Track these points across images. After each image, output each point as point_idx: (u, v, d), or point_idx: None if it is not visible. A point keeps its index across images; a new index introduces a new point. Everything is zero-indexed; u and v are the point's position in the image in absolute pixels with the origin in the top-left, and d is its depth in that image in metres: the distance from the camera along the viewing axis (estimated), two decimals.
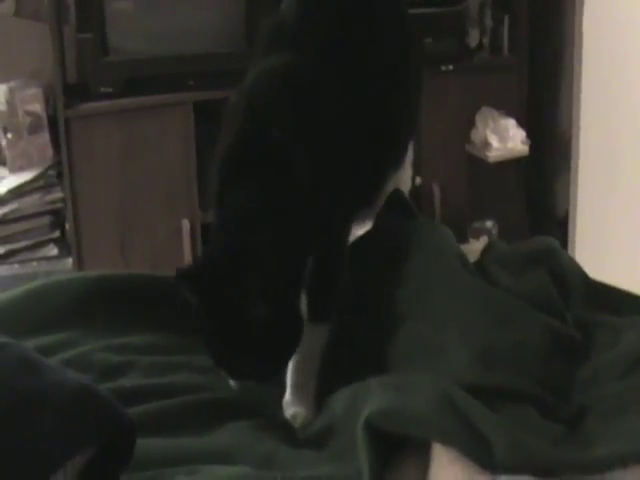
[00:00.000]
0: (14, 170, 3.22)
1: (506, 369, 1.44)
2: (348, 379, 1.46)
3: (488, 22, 3.74)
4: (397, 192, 1.84)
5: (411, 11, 1.88)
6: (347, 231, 1.62)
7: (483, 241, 3.30)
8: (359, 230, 1.74)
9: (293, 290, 1.45)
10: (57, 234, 3.23)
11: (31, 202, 3.19)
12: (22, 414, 1.08)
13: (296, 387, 1.51)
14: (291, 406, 1.50)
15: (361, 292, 1.61)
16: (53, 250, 3.21)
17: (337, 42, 1.62)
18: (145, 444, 1.27)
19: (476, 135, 3.61)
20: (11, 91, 3.27)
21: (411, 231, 1.72)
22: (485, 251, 1.81)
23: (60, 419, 1.10)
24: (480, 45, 3.77)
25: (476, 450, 1.20)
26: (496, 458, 1.19)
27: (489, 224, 3.56)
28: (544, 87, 3.78)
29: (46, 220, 3.21)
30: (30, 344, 1.41)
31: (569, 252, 3.06)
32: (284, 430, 1.46)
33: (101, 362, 1.54)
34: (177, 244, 3.27)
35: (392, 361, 1.50)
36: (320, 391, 1.51)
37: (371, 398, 1.30)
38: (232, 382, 1.46)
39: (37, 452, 1.07)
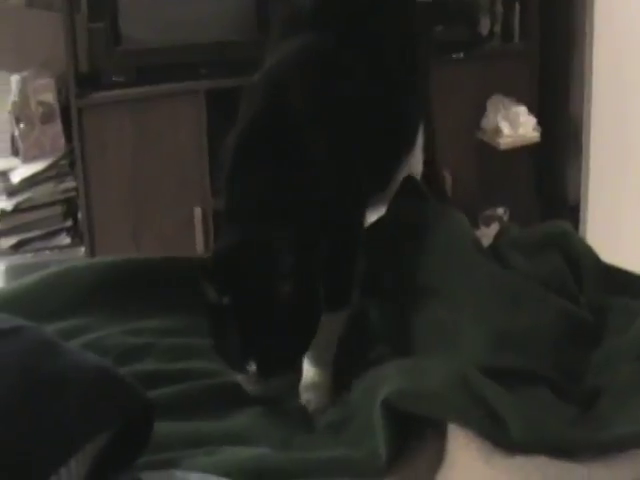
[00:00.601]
0: (27, 160, 3.23)
1: (521, 351, 1.45)
2: (364, 363, 1.47)
3: (499, 9, 3.73)
4: (410, 177, 1.85)
5: None
6: (362, 216, 1.62)
7: (494, 228, 3.29)
8: (373, 215, 1.75)
9: (313, 274, 1.44)
10: (70, 223, 3.23)
11: (44, 191, 3.19)
12: (42, 396, 1.09)
13: (313, 373, 1.51)
14: (307, 392, 1.51)
15: (376, 275, 1.62)
16: (66, 239, 3.22)
17: (355, 26, 1.62)
18: (163, 427, 1.28)
19: (487, 122, 3.60)
20: (24, 81, 3.28)
21: (425, 215, 1.73)
22: (499, 235, 1.82)
23: (80, 401, 1.11)
24: (491, 32, 3.76)
25: (492, 430, 1.21)
26: (512, 437, 1.20)
27: (500, 211, 3.55)
28: (555, 74, 3.77)
29: (59, 209, 3.22)
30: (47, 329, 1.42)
31: None
32: (301, 415, 1.47)
33: (117, 347, 1.55)
34: (189, 232, 3.27)
35: (408, 343, 1.51)
36: (336, 376, 1.52)
37: (388, 381, 1.31)
38: (250, 388, 1.45)
39: (57, 434, 1.08)
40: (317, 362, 1.51)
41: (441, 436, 1.23)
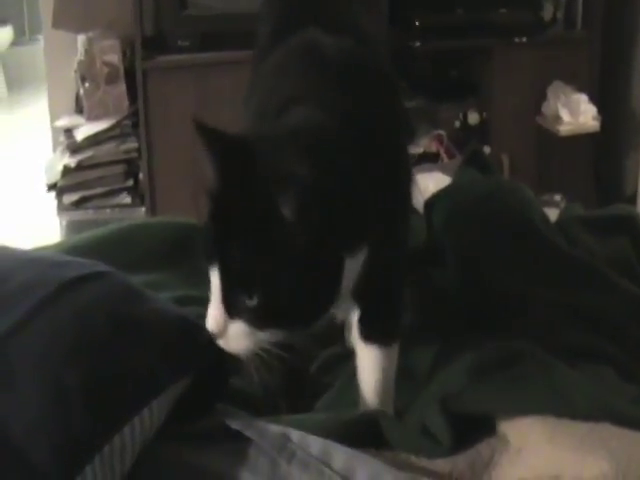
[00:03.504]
0: (91, 118, 3.26)
1: (585, 328, 1.46)
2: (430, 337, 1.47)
3: None
4: (476, 149, 1.86)
5: None
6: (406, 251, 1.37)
7: (551, 213, 3.29)
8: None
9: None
10: (130, 183, 3.27)
11: (106, 150, 3.23)
12: (127, 338, 1.12)
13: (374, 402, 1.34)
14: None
15: (441, 245, 1.63)
16: (126, 198, 3.25)
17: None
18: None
19: (547, 108, 3.59)
20: (89, 41, 3.31)
21: (493, 187, 1.73)
22: (565, 212, 1.82)
23: (162, 345, 1.14)
24: (554, 18, 3.74)
25: (556, 404, 1.21)
26: (576, 409, 1.21)
27: (557, 198, 3.54)
28: (617, 64, 3.74)
29: (120, 169, 3.25)
30: None
31: None
32: None
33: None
34: None
35: (474, 312, 1.52)
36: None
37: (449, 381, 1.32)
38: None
39: (141, 376, 1.10)
40: (379, 404, 1.32)
41: (501, 421, 1.24)
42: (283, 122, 1.17)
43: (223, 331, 1.09)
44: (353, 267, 1.14)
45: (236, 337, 1.09)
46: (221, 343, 1.10)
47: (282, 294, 1.06)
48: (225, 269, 1.07)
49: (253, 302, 1.05)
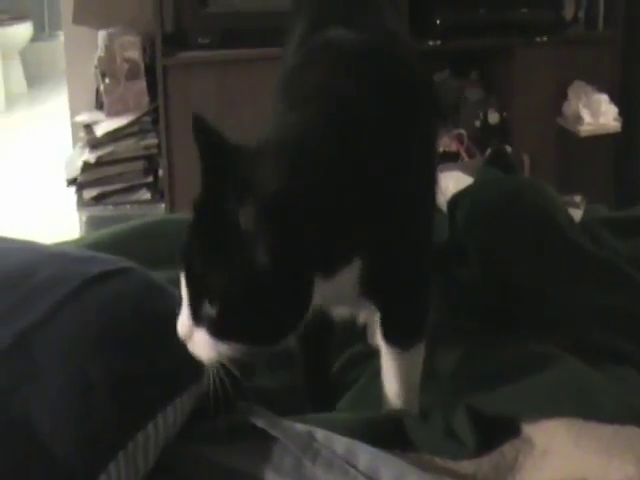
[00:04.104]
0: (111, 114, 3.27)
1: (611, 329, 1.45)
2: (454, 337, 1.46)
3: None
4: (500, 148, 1.85)
5: None
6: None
7: (572, 214, 3.27)
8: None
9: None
10: (150, 179, 3.28)
11: (126, 146, 3.23)
12: (150, 336, 1.12)
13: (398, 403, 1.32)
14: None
15: (465, 244, 1.62)
16: (146, 194, 3.26)
17: None
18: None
19: (568, 108, 3.57)
20: (110, 37, 3.32)
21: (517, 186, 1.73)
22: (589, 213, 1.81)
23: None
24: (575, 18, 3.73)
25: (583, 407, 1.21)
26: (602, 412, 1.20)
27: (577, 199, 3.52)
28: (639, 64, 3.73)
29: (140, 165, 3.26)
30: None
31: None
32: None
33: None
34: None
35: (499, 312, 1.51)
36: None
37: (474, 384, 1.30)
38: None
39: (165, 372, 1.10)
40: (403, 404, 1.30)
41: (526, 424, 1.23)
42: (277, 132, 1.16)
43: (189, 336, 1.07)
44: (346, 278, 1.11)
45: (200, 344, 1.07)
46: (189, 347, 1.08)
47: (240, 308, 1.03)
48: (189, 275, 1.05)
49: (213, 311, 1.03)
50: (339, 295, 1.15)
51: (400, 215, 1.16)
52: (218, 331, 1.04)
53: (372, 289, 1.17)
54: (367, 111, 1.14)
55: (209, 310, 1.03)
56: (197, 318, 1.05)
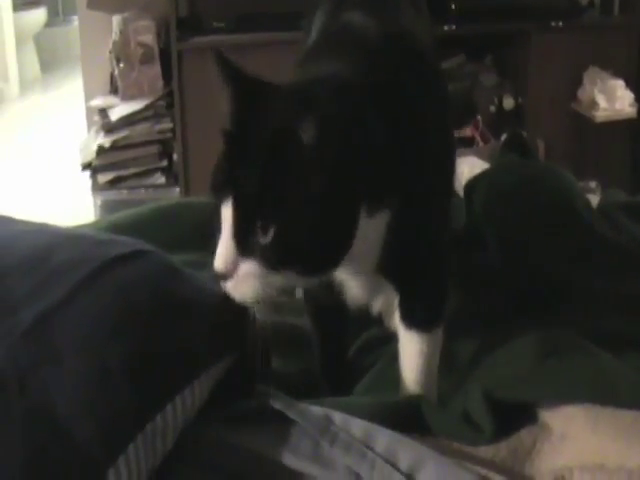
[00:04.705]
0: (125, 99, 3.28)
1: (630, 315, 1.44)
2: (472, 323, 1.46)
3: None
4: (516, 133, 1.85)
5: None
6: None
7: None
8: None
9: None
10: (165, 163, 3.29)
11: (140, 131, 3.24)
12: (171, 317, 1.11)
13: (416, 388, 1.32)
14: None
15: (482, 228, 1.62)
16: (160, 179, 3.27)
17: None
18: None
19: (583, 94, 3.56)
20: (125, 22, 3.32)
21: (534, 171, 1.72)
22: (606, 198, 1.81)
23: (205, 324, 1.13)
24: (591, 3, 3.71)
25: (600, 393, 1.20)
26: (620, 398, 1.20)
27: (592, 184, 3.51)
28: None
29: (154, 149, 3.27)
30: None
31: None
32: None
33: None
34: None
35: (517, 297, 1.50)
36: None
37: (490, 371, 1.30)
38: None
39: (184, 354, 1.10)
40: (421, 389, 1.29)
41: (544, 409, 1.23)
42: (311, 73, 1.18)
43: (232, 271, 1.04)
44: (373, 230, 1.11)
45: (246, 278, 1.04)
46: (228, 286, 1.06)
47: (297, 231, 1.02)
48: (239, 203, 1.02)
49: (267, 239, 1.01)
50: (365, 253, 1.14)
51: (425, 172, 1.17)
52: (271, 258, 1.02)
53: (393, 258, 1.16)
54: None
55: (261, 238, 1.01)
56: (245, 249, 1.03)
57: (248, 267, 1.03)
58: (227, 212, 1.03)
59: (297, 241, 1.02)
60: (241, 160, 1.04)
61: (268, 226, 1.01)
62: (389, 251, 1.15)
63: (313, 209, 1.01)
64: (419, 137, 1.17)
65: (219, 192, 1.05)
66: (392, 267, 1.19)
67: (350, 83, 1.10)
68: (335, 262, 1.09)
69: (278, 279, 1.04)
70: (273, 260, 1.02)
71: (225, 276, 1.05)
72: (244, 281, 1.04)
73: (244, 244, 1.03)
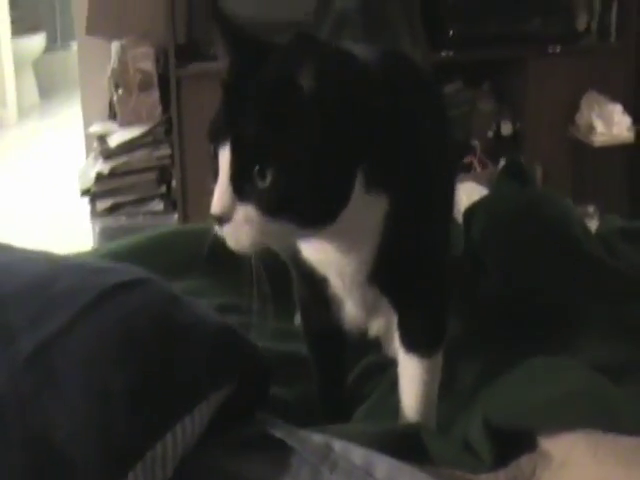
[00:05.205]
0: (124, 125, 3.29)
1: (630, 341, 1.44)
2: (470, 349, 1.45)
3: (596, 7, 3.70)
4: (514, 160, 1.85)
5: None
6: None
7: None
8: None
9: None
10: (163, 190, 3.29)
11: (139, 157, 3.25)
12: (169, 346, 1.11)
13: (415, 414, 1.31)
14: None
15: (481, 255, 1.62)
16: (159, 205, 3.28)
17: None
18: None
19: (581, 118, 3.58)
20: (123, 48, 3.33)
21: (533, 198, 1.73)
22: (604, 223, 1.81)
23: (204, 352, 1.13)
24: (588, 29, 3.73)
25: (601, 419, 1.20)
26: (622, 425, 1.19)
27: (590, 209, 3.52)
28: None
29: (153, 175, 3.27)
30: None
31: None
32: None
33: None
34: None
35: (516, 324, 1.51)
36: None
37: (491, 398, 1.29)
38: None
39: (185, 383, 1.10)
40: (421, 416, 1.29)
41: (543, 437, 1.22)
42: None
43: (229, 215, 1.03)
44: (369, 215, 1.10)
45: (242, 224, 1.02)
46: (225, 231, 1.04)
47: (294, 177, 1.00)
48: (237, 147, 1.01)
49: (265, 183, 1.00)
50: (361, 244, 1.13)
51: (424, 164, 1.16)
52: (268, 203, 1.01)
53: (389, 267, 1.15)
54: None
55: (259, 182, 1.00)
56: (242, 193, 1.02)
57: (245, 212, 1.02)
58: (224, 157, 1.02)
59: (294, 187, 1.01)
60: (240, 107, 1.02)
61: (266, 170, 1.00)
62: (385, 255, 1.14)
63: (310, 156, 1.00)
64: (419, 137, 1.16)
65: (216, 137, 1.03)
66: (388, 278, 1.18)
67: (356, 56, 1.09)
68: (330, 216, 1.06)
69: (275, 227, 1.03)
70: (270, 205, 1.01)
71: (222, 220, 1.03)
72: (241, 226, 1.03)
73: (241, 188, 1.02)
